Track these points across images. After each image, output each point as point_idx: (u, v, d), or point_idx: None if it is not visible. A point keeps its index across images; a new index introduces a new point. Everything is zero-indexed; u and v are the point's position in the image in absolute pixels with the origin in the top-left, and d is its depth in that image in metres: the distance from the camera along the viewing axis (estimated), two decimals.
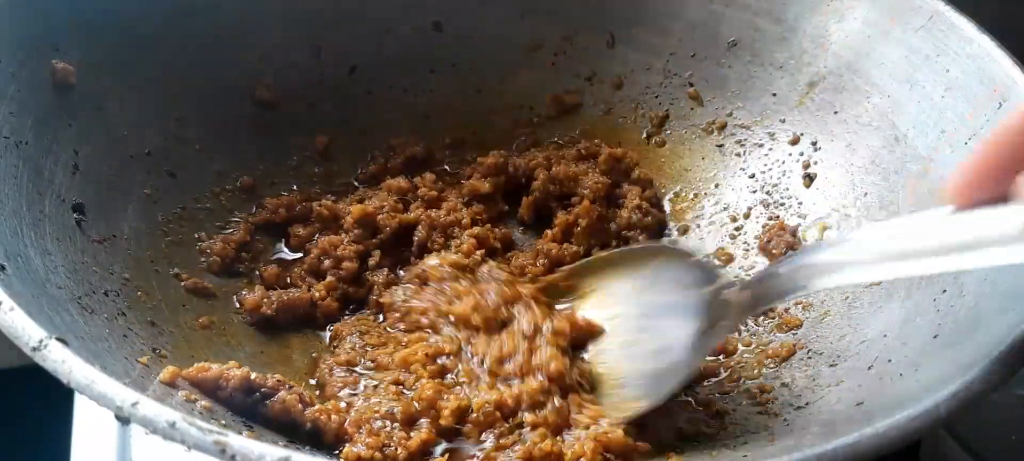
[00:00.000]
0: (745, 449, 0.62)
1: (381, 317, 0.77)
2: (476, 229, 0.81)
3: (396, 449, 0.61)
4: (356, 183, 0.88)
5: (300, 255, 0.81)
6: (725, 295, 0.64)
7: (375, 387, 0.67)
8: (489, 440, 0.63)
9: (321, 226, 0.82)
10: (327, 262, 0.79)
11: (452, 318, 0.72)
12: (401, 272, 0.80)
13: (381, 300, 0.77)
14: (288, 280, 0.79)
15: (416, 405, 0.64)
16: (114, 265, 0.70)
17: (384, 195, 0.84)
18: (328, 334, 0.76)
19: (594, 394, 0.67)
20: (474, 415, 0.64)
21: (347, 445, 0.61)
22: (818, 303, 0.76)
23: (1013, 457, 0.78)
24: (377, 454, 0.60)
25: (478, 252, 0.78)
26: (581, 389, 0.68)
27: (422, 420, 0.63)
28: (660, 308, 0.69)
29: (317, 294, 0.77)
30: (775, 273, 0.62)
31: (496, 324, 0.71)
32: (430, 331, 0.73)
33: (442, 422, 0.63)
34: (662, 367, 0.66)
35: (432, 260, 0.78)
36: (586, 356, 0.71)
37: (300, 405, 0.63)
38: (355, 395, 0.67)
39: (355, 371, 0.70)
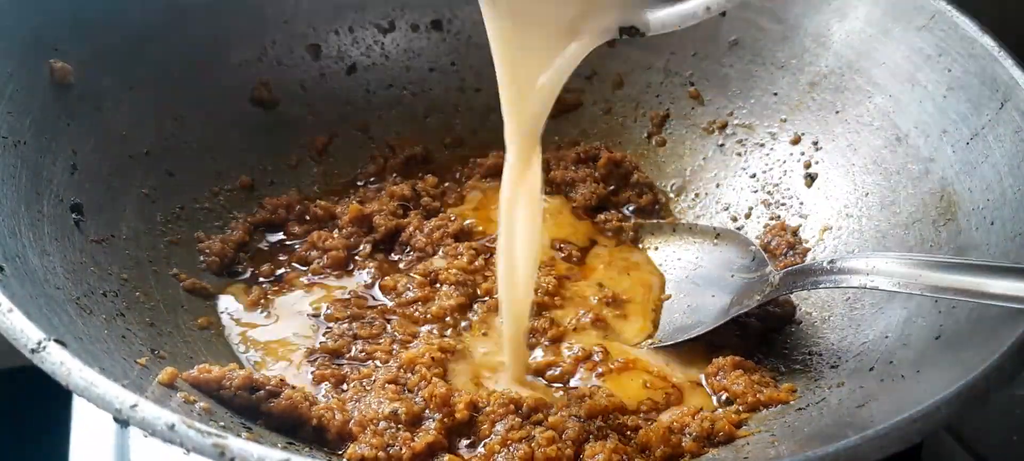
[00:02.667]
0: (746, 451, 0.62)
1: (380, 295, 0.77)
2: (474, 243, 0.80)
3: (400, 449, 0.61)
4: (359, 183, 0.88)
5: (290, 241, 0.82)
6: (763, 280, 0.74)
7: (364, 384, 0.67)
8: (498, 433, 0.63)
9: (317, 225, 0.82)
10: (315, 253, 0.79)
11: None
12: (395, 257, 0.81)
13: (383, 283, 0.77)
14: (279, 272, 0.79)
15: (420, 402, 0.64)
16: (112, 265, 0.69)
17: (385, 200, 0.84)
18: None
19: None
20: (488, 407, 0.64)
21: (351, 445, 0.61)
22: (820, 304, 0.76)
23: (1014, 457, 0.78)
24: (381, 454, 0.60)
25: (480, 259, 0.79)
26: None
27: (429, 420, 0.63)
28: (707, 277, 0.79)
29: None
30: (809, 267, 0.70)
31: None
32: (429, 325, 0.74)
33: (457, 416, 0.63)
34: (687, 322, 0.76)
35: (439, 261, 0.78)
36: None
37: (306, 403, 0.63)
38: (344, 393, 0.67)
39: (339, 363, 0.70)
